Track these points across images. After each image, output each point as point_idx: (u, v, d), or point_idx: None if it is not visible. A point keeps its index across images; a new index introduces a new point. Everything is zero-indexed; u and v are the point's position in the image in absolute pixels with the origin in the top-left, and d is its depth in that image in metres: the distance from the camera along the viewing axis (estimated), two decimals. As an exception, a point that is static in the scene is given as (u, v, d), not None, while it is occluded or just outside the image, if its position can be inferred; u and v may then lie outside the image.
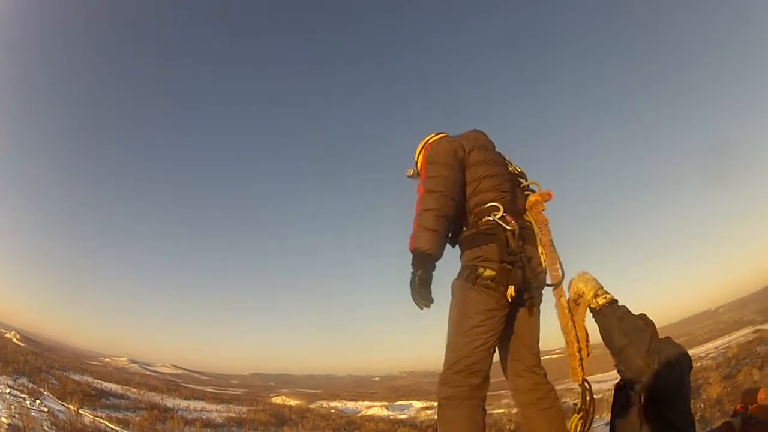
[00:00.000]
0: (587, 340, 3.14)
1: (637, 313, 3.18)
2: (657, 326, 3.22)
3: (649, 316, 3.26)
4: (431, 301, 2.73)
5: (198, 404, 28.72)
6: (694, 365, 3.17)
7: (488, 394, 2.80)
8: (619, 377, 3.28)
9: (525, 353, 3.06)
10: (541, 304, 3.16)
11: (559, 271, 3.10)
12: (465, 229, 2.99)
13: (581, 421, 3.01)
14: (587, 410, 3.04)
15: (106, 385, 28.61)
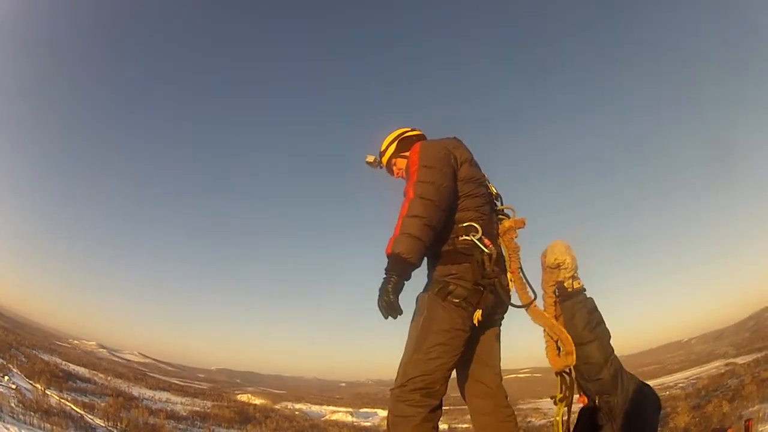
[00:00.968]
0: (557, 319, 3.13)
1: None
2: (626, 353, 3.44)
3: (615, 343, 3.23)
4: (400, 311, 2.55)
5: (163, 395, 28.85)
6: (662, 394, 3.24)
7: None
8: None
9: (488, 374, 2.99)
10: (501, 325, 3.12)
11: (530, 292, 3.09)
12: (440, 243, 2.83)
13: (566, 408, 3.05)
14: (568, 397, 3.06)
15: (73, 367, 28.62)
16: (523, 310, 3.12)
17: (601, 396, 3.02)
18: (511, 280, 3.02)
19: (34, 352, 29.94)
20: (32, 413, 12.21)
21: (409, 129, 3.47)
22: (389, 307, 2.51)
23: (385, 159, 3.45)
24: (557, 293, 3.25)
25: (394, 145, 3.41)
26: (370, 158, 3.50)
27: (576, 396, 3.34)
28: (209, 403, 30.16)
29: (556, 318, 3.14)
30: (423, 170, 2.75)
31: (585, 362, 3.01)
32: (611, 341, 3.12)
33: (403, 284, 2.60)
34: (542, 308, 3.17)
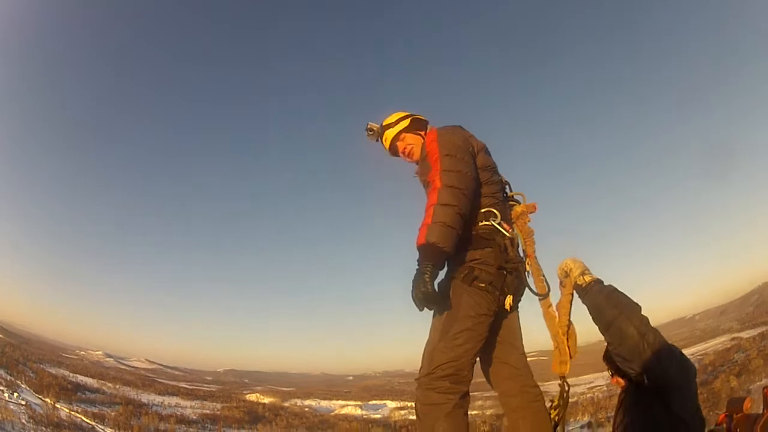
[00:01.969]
0: (571, 330, 3.10)
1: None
2: None
3: None
4: (439, 302, 2.59)
5: (172, 400, 29.03)
6: None
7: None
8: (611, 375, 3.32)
9: (514, 355, 2.97)
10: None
11: (544, 282, 3.10)
12: (462, 229, 2.74)
13: (557, 417, 3.00)
14: (563, 407, 3.03)
15: (81, 378, 28.68)
16: (533, 296, 3.11)
17: (649, 370, 2.88)
18: (528, 264, 3.04)
19: (41, 366, 30.04)
20: (43, 428, 12.36)
21: (415, 114, 3.42)
22: (427, 298, 2.46)
23: (394, 130, 3.36)
24: (577, 294, 3.21)
25: (408, 121, 3.35)
26: (374, 126, 3.45)
27: (608, 376, 3.42)
28: (218, 405, 30.42)
29: (567, 328, 3.11)
30: (447, 159, 2.74)
31: (620, 341, 2.93)
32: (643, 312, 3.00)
33: (437, 274, 2.56)
34: (555, 308, 3.18)
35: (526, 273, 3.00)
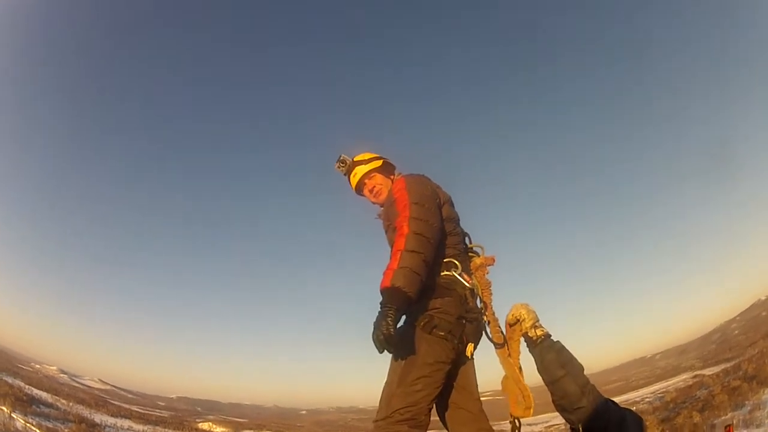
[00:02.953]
0: (520, 370, 3.18)
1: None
2: (590, 372, 3.22)
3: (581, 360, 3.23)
4: (396, 345, 2.53)
5: (125, 422, 29.01)
6: (629, 408, 3.19)
7: None
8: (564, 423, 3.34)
9: (470, 401, 3.03)
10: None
11: (500, 332, 3.16)
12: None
13: None
14: None
15: (36, 392, 28.59)
16: (489, 341, 3.20)
17: (586, 423, 3.04)
18: (485, 315, 3.10)
19: (-1, 374, 30.09)
20: (-1, 437, 12.58)
21: (380, 157, 3.49)
22: (388, 341, 2.45)
23: (367, 167, 3.41)
24: (525, 343, 3.33)
25: (381, 162, 3.43)
26: (347, 159, 3.47)
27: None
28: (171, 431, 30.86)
29: (520, 370, 3.22)
30: (415, 207, 2.78)
31: (562, 396, 3.08)
32: (585, 373, 3.18)
33: (399, 318, 2.57)
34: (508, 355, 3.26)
35: (485, 323, 3.11)
